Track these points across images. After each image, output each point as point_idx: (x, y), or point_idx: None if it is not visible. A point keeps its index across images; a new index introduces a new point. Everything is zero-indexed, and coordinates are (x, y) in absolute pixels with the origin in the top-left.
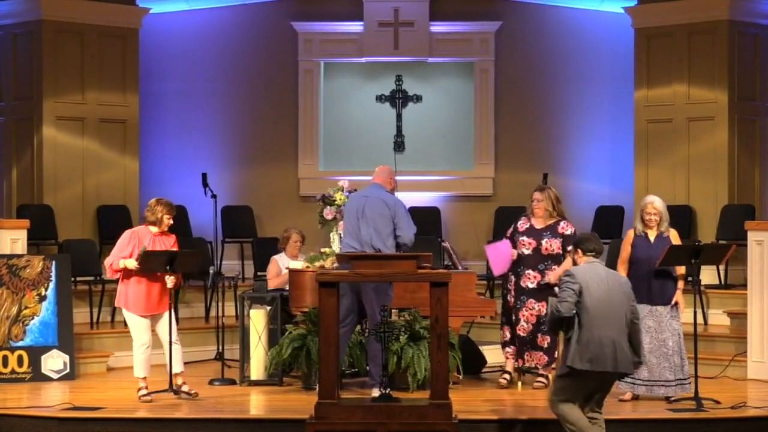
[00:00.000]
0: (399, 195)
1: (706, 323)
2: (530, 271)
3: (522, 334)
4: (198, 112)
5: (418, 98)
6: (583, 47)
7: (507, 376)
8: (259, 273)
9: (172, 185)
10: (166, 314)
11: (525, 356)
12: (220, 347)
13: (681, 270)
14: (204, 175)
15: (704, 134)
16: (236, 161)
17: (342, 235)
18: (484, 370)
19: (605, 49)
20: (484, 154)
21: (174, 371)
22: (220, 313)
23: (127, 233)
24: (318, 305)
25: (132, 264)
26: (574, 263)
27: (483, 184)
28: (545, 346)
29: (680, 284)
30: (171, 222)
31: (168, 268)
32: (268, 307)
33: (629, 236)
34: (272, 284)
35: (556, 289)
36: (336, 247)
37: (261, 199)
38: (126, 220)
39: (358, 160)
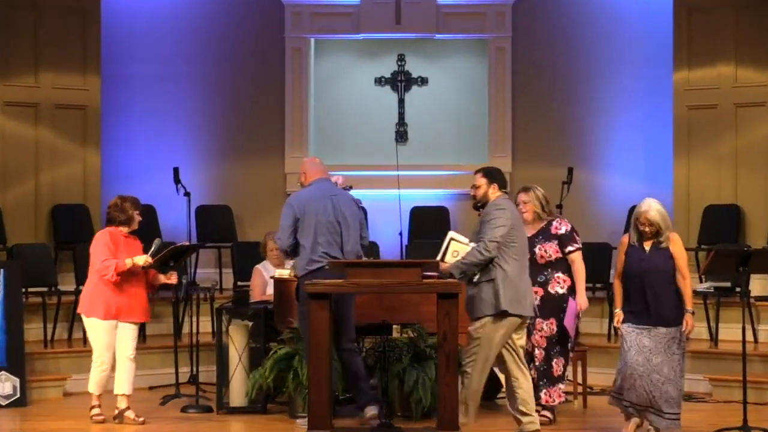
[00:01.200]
0: (402, 194)
1: (756, 341)
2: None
3: (536, 362)
4: (169, 98)
5: (423, 81)
6: (613, 23)
7: (548, 413)
8: (239, 283)
9: (139, 181)
10: (133, 329)
11: (542, 394)
12: (194, 369)
13: (687, 286)
14: (176, 170)
15: (754, 122)
16: (213, 154)
17: (312, 243)
18: (499, 395)
19: (639, 25)
20: (500, 146)
21: (119, 392)
22: (194, 330)
23: (104, 234)
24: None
25: (144, 260)
26: (483, 200)
27: None
28: (560, 373)
29: (688, 304)
30: (141, 219)
31: (172, 264)
32: (250, 323)
33: (623, 243)
34: (257, 298)
35: (486, 230)
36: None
37: (242, 198)
38: (86, 222)
39: (354, 153)
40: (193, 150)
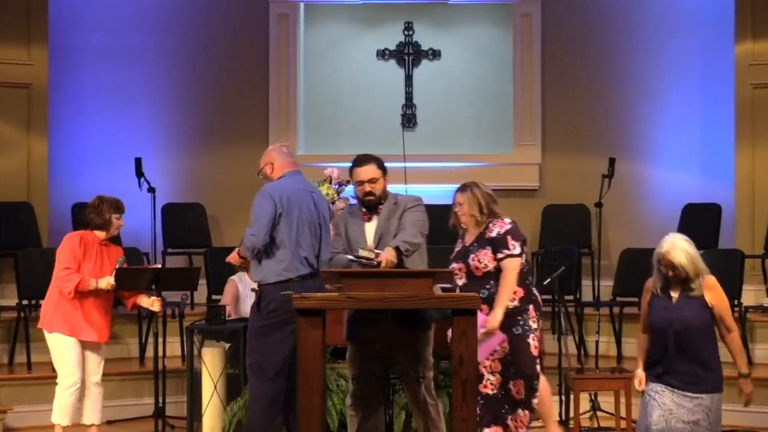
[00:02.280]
0: (409, 190)
1: None
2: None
3: (491, 391)
4: (131, 75)
5: (435, 54)
6: None
7: None
8: (214, 296)
9: (94, 175)
10: (100, 349)
11: (509, 422)
12: (160, 400)
13: (735, 342)
14: (138, 162)
15: None
16: (183, 142)
17: (294, 245)
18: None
19: None
20: (527, 133)
21: (89, 421)
22: (160, 353)
23: (74, 238)
24: (296, 341)
25: (106, 284)
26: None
27: (526, 173)
28: (521, 398)
29: (742, 365)
30: (122, 224)
31: (153, 287)
32: (227, 344)
33: (647, 289)
34: (231, 312)
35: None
36: None
37: (217, 195)
38: (30, 223)
39: (351, 141)
40: (158, 137)
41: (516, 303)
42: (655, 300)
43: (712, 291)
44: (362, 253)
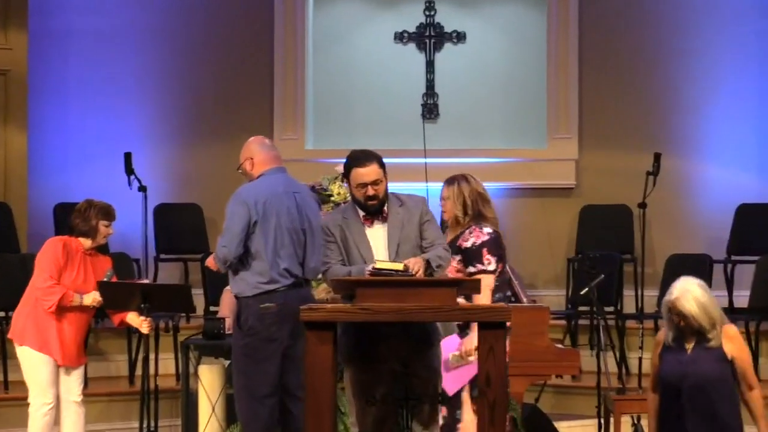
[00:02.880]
0: (431, 188)
1: None
2: None
3: (441, 415)
4: (120, 62)
5: (459, 37)
6: None
7: None
8: (212, 308)
9: (78, 172)
10: (78, 370)
11: None
12: (152, 423)
13: (758, 401)
14: (128, 157)
15: None
16: (177, 136)
17: (272, 255)
18: None
19: None
20: (563, 125)
21: None
22: (152, 371)
23: (56, 245)
24: (304, 358)
25: (92, 300)
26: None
27: (561, 170)
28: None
29: (763, 427)
30: (111, 232)
31: (143, 306)
32: (227, 361)
33: (657, 342)
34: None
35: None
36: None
37: (215, 194)
38: (7, 226)
39: (366, 135)
40: (150, 130)
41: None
42: (667, 352)
43: (732, 342)
44: (384, 264)
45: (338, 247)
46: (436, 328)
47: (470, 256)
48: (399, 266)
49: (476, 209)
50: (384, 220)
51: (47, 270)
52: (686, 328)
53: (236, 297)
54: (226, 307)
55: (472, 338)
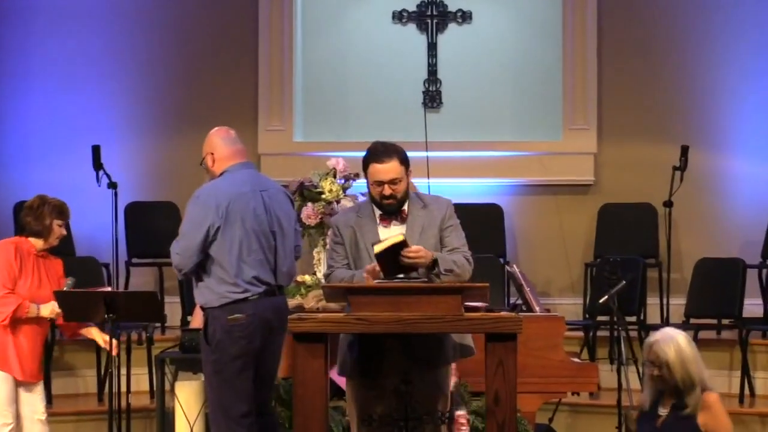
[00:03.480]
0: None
1: None
2: None
3: None
4: (88, 44)
5: (464, 17)
6: None
7: None
8: (189, 317)
9: (40, 167)
10: (39, 386)
11: None
12: None
13: None
14: (96, 150)
15: None
16: (151, 128)
17: (236, 262)
18: None
19: None
20: (580, 115)
21: None
22: (123, 388)
23: (7, 249)
24: (292, 372)
25: (50, 312)
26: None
27: (578, 164)
28: None
29: None
30: (64, 233)
31: (108, 316)
32: None
33: (637, 403)
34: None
35: None
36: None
37: (193, 191)
38: None
39: (360, 126)
40: (121, 121)
41: None
42: (643, 419)
43: (709, 411)
44: (380, 246)
45: (345, 249)
46: (446, 342)
47: None
48: (398, 238)
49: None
50: (403, 220)
51: (0, 279)
52: (662, 384)
53: (202, 308)
54: (198, 319)
55: None
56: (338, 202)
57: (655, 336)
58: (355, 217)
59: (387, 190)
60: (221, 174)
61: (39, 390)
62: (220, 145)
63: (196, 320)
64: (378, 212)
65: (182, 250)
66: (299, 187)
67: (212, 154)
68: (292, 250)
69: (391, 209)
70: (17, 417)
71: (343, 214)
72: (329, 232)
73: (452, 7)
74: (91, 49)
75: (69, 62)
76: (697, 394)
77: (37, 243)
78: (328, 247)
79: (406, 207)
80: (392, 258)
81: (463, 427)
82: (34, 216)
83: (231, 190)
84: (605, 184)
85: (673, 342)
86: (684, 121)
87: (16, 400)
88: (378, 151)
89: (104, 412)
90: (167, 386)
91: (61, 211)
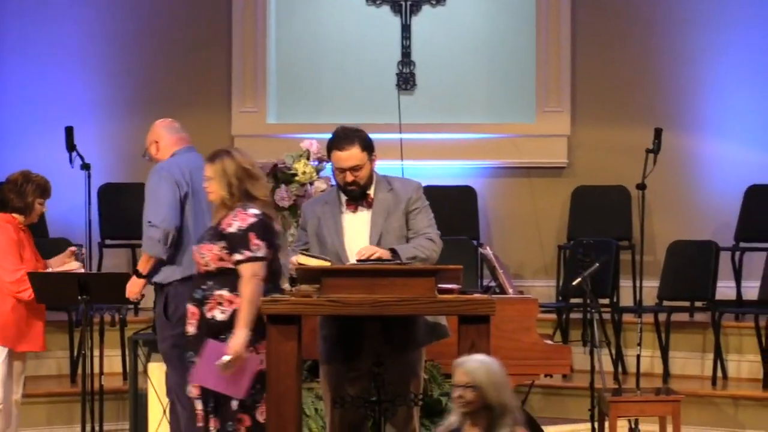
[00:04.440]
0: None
1: None
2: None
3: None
4: (61, 23)
5: None
6: None
7: None
8: None
9: (10, 147)
10: (23, 362)
11: None
12: (96, 427)
13: None
14: (69, 131)
15: None
16: (124, 108)
17: (194, 236)
18: None
19: None
20: (553, 97)
21: None
22: (96, 369)
23: (7, 227)
24: (266, 354)
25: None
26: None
27: (551, 147)
28: None
29: None
30: (45, 210)
31: (82, 298)
32: None
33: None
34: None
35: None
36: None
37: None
38: None
39: (334, 108)
40: (94, 102)
41: (226, 317)
42: None
43: None
44: (307, 260)
45: (305, 234)
46: (419, 324)
47: (235, 242)
48: (325, 263)
49: (243, 189)
50: (369, 205)
51: (9, 256)
52: (472, 407)
53: (160, 285)
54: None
55: (238, 338)
56: (312, 184)
57: (464, 358)
58: (321, 204)
59: (349, 177)
60: (173, 156)
61: (23, 369)
62: (165, 133)
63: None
64: (344, 198)
65: (166, 212)
66: (273, 169)
67: (157, 142)
68: None
69: (355, 194)
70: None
71: (312, 202)
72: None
73: None
74: (63, 29)
75: (41, 42)
76: (509, 424)
77: (19, 218)
78: None
79: (372, 191)
80: None
81: None
82: (17, 193)
83: (188, 164)
84: (579, 166)
85: (485, 364)
86: (657, 103)
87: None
88: (339, 138)
89: (77, 394)
90: (140, 368)
91: (44, 189)
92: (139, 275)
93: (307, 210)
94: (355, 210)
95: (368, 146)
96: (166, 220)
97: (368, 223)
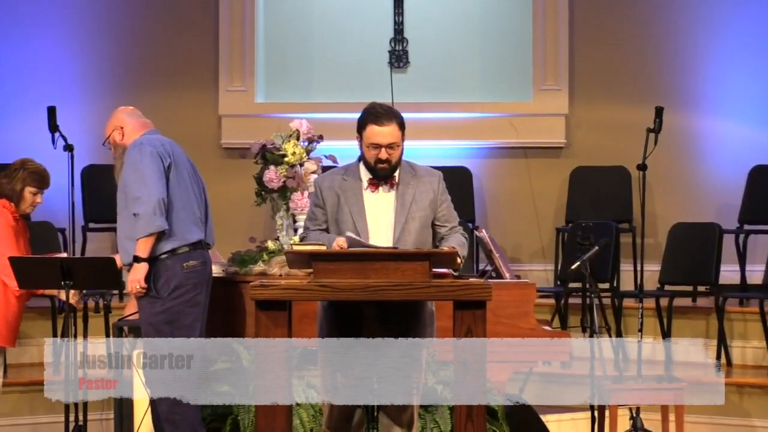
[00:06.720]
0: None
1: None
2: None
3: None
4: (44, 4)
5: None
6: None
7: None
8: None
9: None
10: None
11: None
12: (80, 416)
13: None
14: (51, 111)
15: None
16: (108, 87)
17: (189, 210)
18: None
19: None
20: (550, 75)
21: None
22: (79, 356)
23: (4, 212)
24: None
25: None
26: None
27: (549, 126)
28: None
29: None
30: (39, 202)
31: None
32: None
33: None
34: None
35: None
36: (286, 238)
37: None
38: None
39: (324, 86)
40: (77, 80)
41: None
42: None
43: None
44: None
45: (325, 213)
46: (424, 313)
47: None
48: (321, 248)
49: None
50: (392, 186)
51: (6, 242)
52: None
53: (148, 260)
54: (132, 306)
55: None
56: (302, 165)
57: None
58: (341, 179)
59: (384, 154)
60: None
61: (2, 358)
62: (128, 119)
63: (131, 307)
64: (366, 176)
65: (152, 186)
66: (261, 150)
67: (122, 128)
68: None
69: (384, 173)
70: None
71: (329, 176)
72: (310, 192)
73: None
74: (47, 7)
75: (25, 21)
76: None
77: (12, 206)
78: (307, 207)
79: (397, 174)
80: None
81: None
82: (8, 178)
83: (164, 139)
84: (577, 146)
85: None
86: (658, 81)
87: None
88: (378, 113)
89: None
90: (126, 353)
91: (38, 179)
92: (140, 260)
93: (322, 184)
94: (376, 189)
95: (403, 126)
96: (154, 191)
97: (392, 206)
